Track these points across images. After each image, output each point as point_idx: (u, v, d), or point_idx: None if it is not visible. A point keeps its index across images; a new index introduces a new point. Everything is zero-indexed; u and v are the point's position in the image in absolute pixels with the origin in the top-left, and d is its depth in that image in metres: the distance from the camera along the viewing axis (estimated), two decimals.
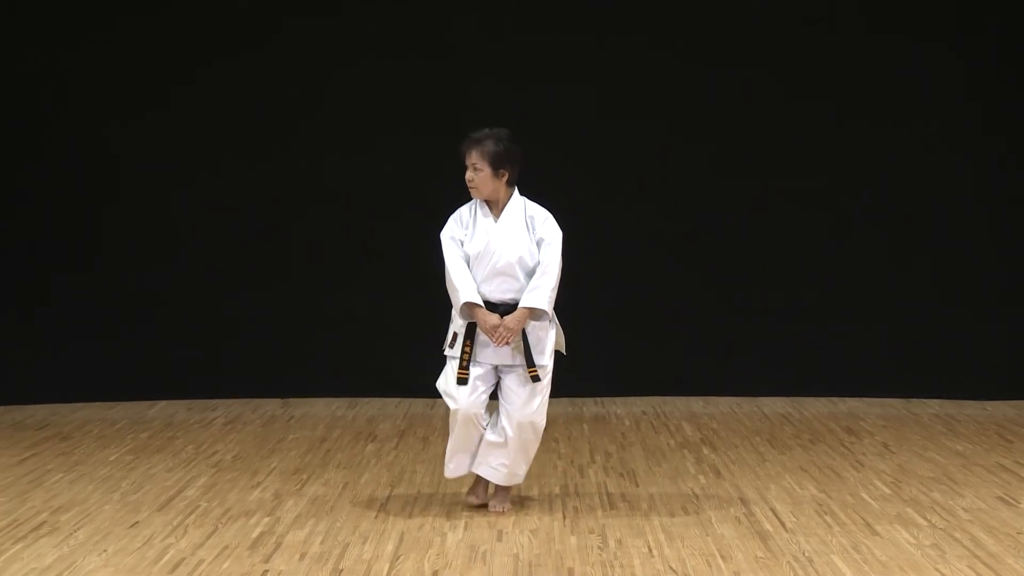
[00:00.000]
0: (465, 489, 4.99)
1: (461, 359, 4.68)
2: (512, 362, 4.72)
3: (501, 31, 7.15)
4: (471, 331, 4.68)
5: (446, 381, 4.76)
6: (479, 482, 4.87)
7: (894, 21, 7.13)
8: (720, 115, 7.17)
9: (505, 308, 4.70)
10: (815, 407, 6.99)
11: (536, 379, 4.70)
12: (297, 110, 7.16)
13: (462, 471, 4.85)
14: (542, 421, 4.79)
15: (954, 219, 7.24)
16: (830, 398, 7.18)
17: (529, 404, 4.73)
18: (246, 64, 7.13)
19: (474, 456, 4.81)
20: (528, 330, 4.70)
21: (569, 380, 7.22)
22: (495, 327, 4.63)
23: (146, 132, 7.14)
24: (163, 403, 7.05)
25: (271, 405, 7.05)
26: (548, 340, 4.76)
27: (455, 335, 4.72)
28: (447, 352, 4.77)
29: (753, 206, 7.25)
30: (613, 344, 7.23)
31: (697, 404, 7.07)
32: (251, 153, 7.18)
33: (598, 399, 7.19)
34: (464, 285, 4.66)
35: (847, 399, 7.16)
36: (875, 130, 7.19)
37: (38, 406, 6.99)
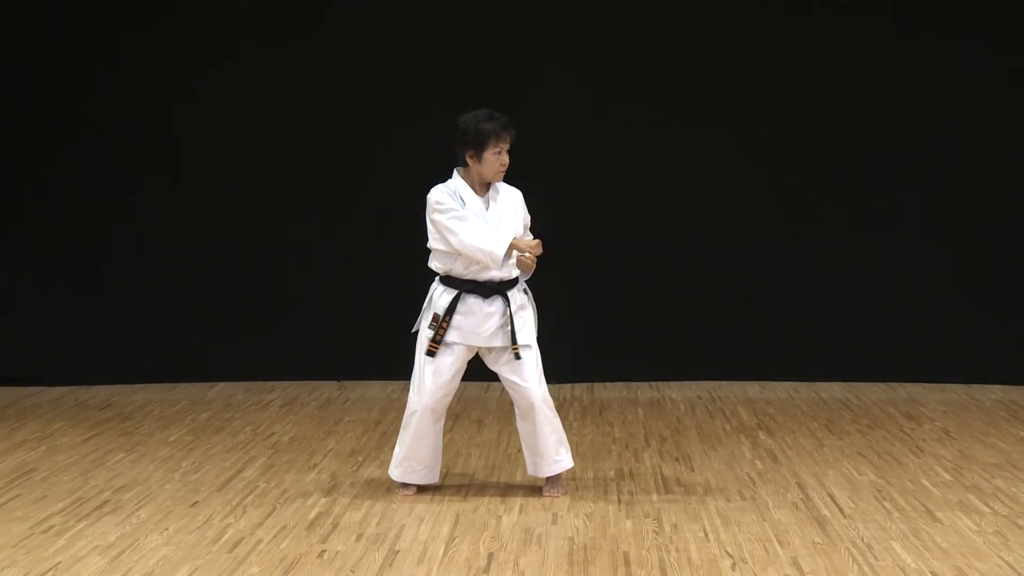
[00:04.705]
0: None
1: (436, 334, 4.66)
2: (503, 343, 4.68)
3: (523, 19, 7.12)
4: (451, 309, 4.67)
5: (420, 376, 4.71)
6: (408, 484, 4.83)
7: (922, 10, 7.04)
8: (763, 101, 7.11)
9: (493, 286, 4.68)
10: (874, 392, 6.90)
11: (518, 356, 4.67)
12: (345, 91, 7.18)
13: (416, 478, 4.79)
14: (550, 397, 4.77)
15: (1014, 201, 7.10)
16: (889, 383, 7.09)
17: (533, 380, 4.69)
18: (289, 47, 7.16)
19: (429, 468, 4.78)
20: (514, 310, 4.69)
21: (624, 364, 7.28)
22: (538, 243, 4.65)
23: (193, 114, 7.18)
24: (221, 384, 7.15)
25: (327, 387, 7.11)
26: (532, 321, 4.75)
27: (436, 318, 4.69)
28: (424, 336, 4.71)
29: (804, 189, 7.17)
30: (668, 328, 7.20)
31: (753, 389, 7.02)
32: (301, 134, 7.22)
33: (653, 383, 7.16)
34: (491, 238, 4.59)
35: (906, 384, 7.06)
36: (925, 112, 7.08)
37: (100, 387, 7.11)
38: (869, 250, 7.17)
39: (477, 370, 7.18)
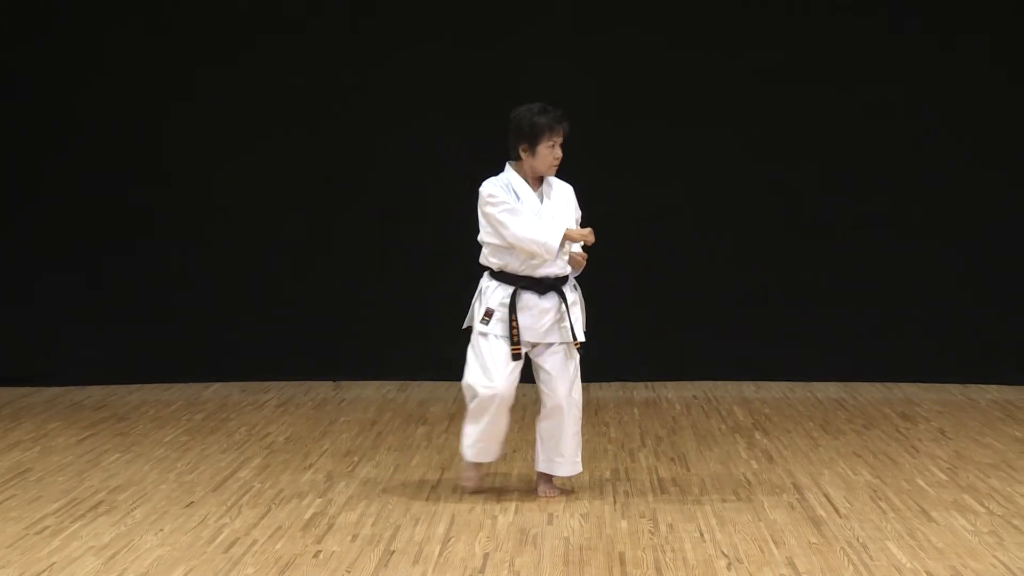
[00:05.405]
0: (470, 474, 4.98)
1: (512, 336, 4.64)
2: (558, 339, 4.69)
3: (533, 17, 7.13)
4: (513, 307, 4.65)
5: (482, 367, 4.66)
6: (479, 466, 4.82)
7: (922, 9, 7.05)
8: (763, 100, 7.12)
9: (549, 282, 4.68)
10: (869, 392, 6.91)
11: (580, 351, 4.71)
12: (345, 91, 7.19)
13: (488, 457, 4.78)
14: (581, 399, 4.82)
15: (1012, 201, 7.11)
16: (885, 383, 7.09)
17: (574, 382, 4.75)
18: (289, 46, 7.17)
19: (500, 444, 4.75)
20: (569, 305, 4.71)
21: (620, 364, 7.28)
22: (590, 232, 4.65)
23: (193, 114, 7.20)
24: (217, 385, 7.14)
25: (323, 388, 7.10)
26: (583, 318, 4.79)
27: (490, 312, 4.67)
28: (481, 328, 4.67)
29: (802, 189, 7.18)
30: (664, 328, 7.20)
31: (749, 389, 7.02)
32: (301, 135, 7.23)
33: (649, 383, 7.16)
34: (544, 230, 4.58)
35: (902, 384, 7.07)
36: (925, 109, 7.10)
37: (95, 387, 7.10)
38: (865, 250, 7.18)
39: None
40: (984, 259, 7.14)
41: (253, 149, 7.21)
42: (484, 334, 4.67)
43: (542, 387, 4.75)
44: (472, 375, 4.70)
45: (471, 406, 4.73)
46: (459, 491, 4.88)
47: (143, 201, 7.25)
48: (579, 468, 4.82)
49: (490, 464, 4.97)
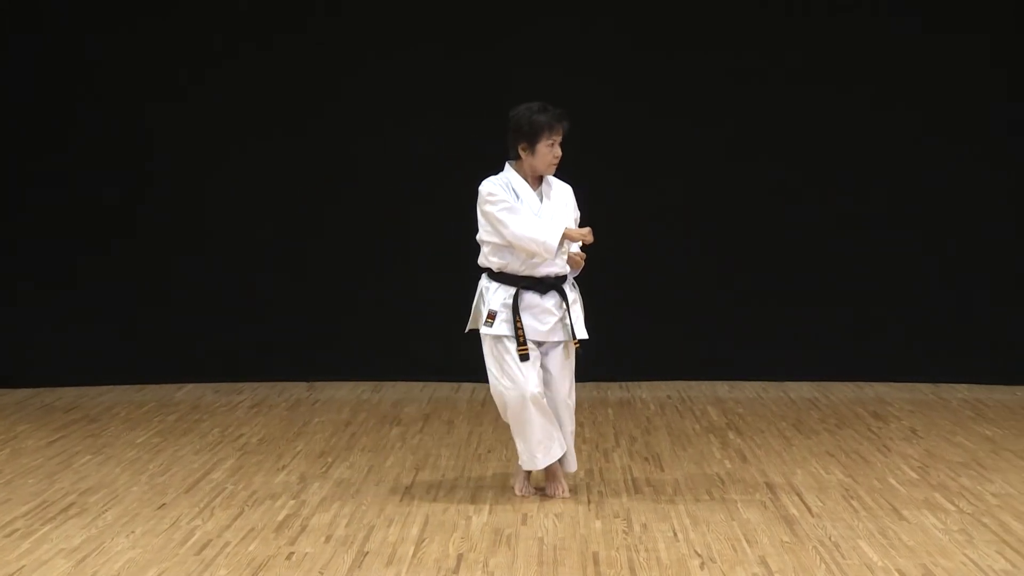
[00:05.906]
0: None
1: (517, 337, 4.63)
2: (562, 337, 4.70)
3: (529, 16, 7.13)
4: (516, 308, 4.64)
5: (500, 369, 4.64)
6: (529, 473, 4.78)
7: (913, 8, 7.09)
8: (744, 100, 7.13)
9: (549, 282, 4.69)
10: (842, 392, 6.95)
11: (579, 351, 4.73)
12: (328, 95, 7.17)
13: (558, 451, 4.68)
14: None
15: (982, 203, 7.17)
16: (857, 383, 7.14)
17: (571, 380, 4.77)
18: (277, 49, 7.14)
19: (558, 436, 4.68)
20: (570, 304, 4.71)
21: (594, 364, 7.26)
22: (589, 231, 4.64)
23: (174, 117, 7.17)
24: (190, 386, 7.10)
25: (296, 388, 7.08)
26: (582, 316, 4.78)
27: (493, 313, 4.66)
28: (486, 331, 4.67)
29: (778, 190, 7.20)
30: (638, 328, 7.21)
31: (722, 388, 7.05)
32: (280, 137, 7.20)
33: (623, 383, 7.18)
34: (543, 229, 4.57)
35: (874, 384, 7.11)
36: (896, 115, 7.13)
37: (66, 388, 7.04)
38: (837, 251, 7.21)
39: (450, 369, 7.14)
40: (955, 260, 7.19)
41: (239, 151, 7.17)
42: (493, 337, 4.66)
43: (543, 387, 4.74)
44: (495, 382, 4.69)
45: (509, 416, 4.69)
46: (433, 491, 4.87)
47: (119, 202, 7.20)
48: (576, 466, 4.85)
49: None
